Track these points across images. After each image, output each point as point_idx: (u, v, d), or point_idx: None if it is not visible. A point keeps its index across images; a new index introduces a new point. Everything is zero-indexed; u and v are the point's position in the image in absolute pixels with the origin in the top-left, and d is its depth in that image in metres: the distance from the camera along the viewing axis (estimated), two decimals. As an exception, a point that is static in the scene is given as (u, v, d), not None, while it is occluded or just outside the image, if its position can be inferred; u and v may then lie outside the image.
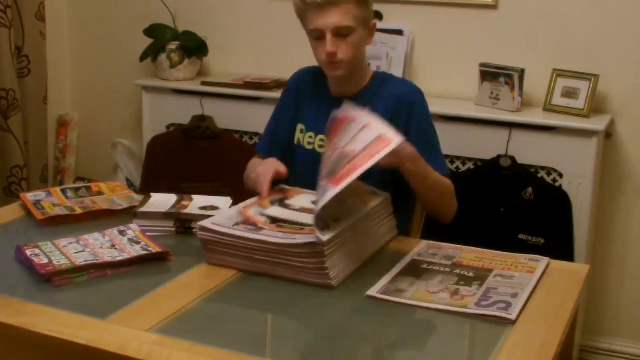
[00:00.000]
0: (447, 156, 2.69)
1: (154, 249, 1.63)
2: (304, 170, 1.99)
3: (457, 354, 1.34)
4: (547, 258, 1.67)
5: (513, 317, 1.37)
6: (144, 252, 1.61)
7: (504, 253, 1.71)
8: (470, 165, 2.69)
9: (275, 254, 1.54)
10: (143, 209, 1.85)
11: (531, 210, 2.56)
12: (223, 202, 1.92)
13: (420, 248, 1.73)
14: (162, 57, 3.14)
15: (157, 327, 1.34)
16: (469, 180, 2.65)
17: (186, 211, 1.84)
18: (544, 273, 1.60)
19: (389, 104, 1.95)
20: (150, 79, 3.24)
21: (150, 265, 1.61)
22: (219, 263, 1.61)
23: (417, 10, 2.91)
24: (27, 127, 3.20)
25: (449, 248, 1.74)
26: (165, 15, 3.21)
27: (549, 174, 2.60)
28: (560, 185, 2.56)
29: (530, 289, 1.49)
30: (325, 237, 1.48)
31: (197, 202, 1.91)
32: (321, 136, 2.00)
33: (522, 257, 1.66)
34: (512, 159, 2.58)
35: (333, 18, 1.85)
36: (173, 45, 3.14)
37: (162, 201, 1.91)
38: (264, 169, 1.89)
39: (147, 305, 1.44)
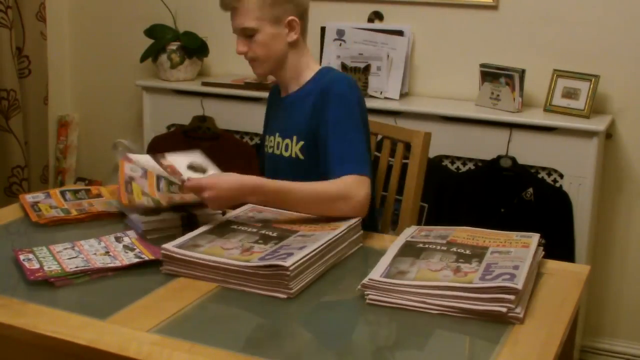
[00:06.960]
0: (447, 156, 2.69)
1: (147, 256, 1.63)
2: (271, 175, 2.00)
3: (458, 354, 1.34)
4: (538, 234, 1.67)
5: (519, 286, 1.37)
6: (136, 260, 1.61)
7: (495, 231, 1.71)
8: (470, 165, 2.69)
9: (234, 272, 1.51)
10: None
11: (532, 210, 2.56)
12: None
13: (411, 232, 1.73)
14: (163, 58, 3.15)
15: (157, 328, 1.34)
16: (470, 180, 2.65)
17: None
18: (538, 246, 1.61)
19: (317, 97, 1.93)
20: (151, 80, 3.24)
21: (151, 265, 1.61)
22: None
23: (417, 10, 2.91)
24: (28, 127, 3.20)
25: (440, 229, 1.74)
26: (165, 16, 3.21)
27: (549, 175, 2.59)
28: (561, 186, 2.56)
29: (529, 262, 1.50)
30: (288, 262, 1.45)
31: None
32: (272, 137, 2.05)
33: (514, 235, 1.67)
34: (513, 159, 2.58)
35: (236, 20, 1.92)
36: (173, 46, 3.14)
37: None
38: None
39: (147, 306, 1.44)
